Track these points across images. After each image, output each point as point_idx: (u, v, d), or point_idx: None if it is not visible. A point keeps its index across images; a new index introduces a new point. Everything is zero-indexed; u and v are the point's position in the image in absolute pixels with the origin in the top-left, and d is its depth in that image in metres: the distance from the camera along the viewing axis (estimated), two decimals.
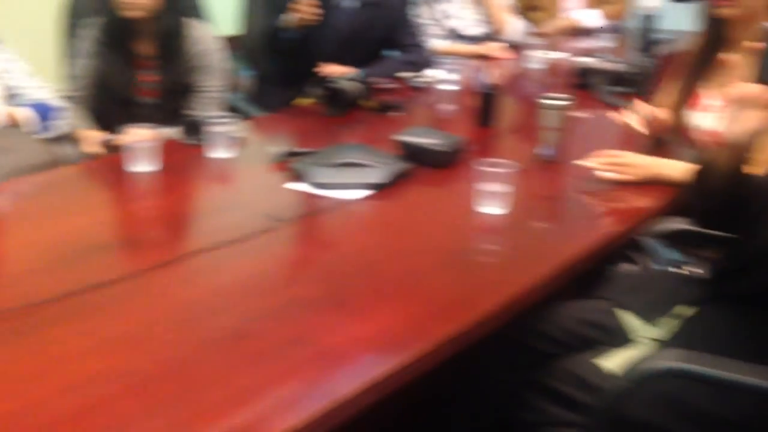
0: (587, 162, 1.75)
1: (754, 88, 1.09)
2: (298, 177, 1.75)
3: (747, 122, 1.11)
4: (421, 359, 1.08)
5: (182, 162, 1.92)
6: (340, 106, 2.31)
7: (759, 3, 1.71)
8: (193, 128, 1.98)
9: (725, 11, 1.74)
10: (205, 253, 1.39)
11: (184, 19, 2.28)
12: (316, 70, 2.55)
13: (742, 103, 1.12)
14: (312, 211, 1.62)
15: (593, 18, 3.69)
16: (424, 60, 2.91)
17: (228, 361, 1.05)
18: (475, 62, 3.13)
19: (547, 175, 1.87)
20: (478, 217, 1.58)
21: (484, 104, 2.20)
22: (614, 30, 3.41)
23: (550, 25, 3.72)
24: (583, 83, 2.62)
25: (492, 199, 1.58)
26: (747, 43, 1.14)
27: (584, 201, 1.72)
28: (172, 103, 2.27)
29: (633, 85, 2.50)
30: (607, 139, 2.16)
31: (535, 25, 3.81)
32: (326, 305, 1.22)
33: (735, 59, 1.62)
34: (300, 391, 1.00)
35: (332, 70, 2.55)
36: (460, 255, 1.45)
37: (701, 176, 1.30)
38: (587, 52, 3.29)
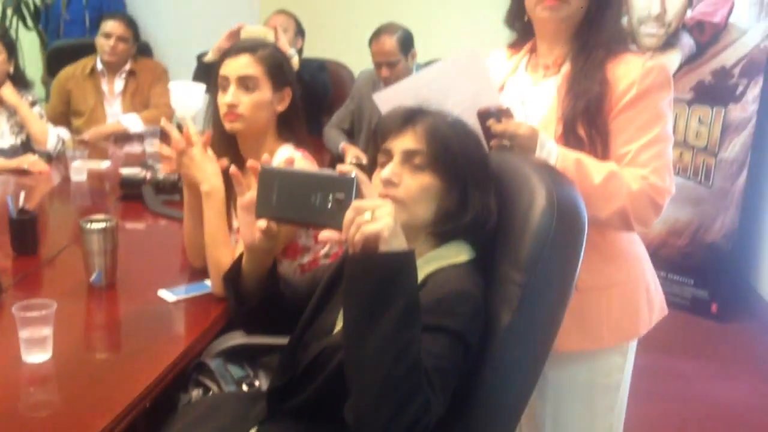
0: None
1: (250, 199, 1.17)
2: None
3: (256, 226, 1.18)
4: None
5: None
6: None
7: (262, 117, 1.81)
8: None
9: (229, 126, 1.80)
10: None
11: None
12: None
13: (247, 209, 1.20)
14: None
15: (135, 123, 3.68)
16: None
17: None
18: (9, 178, 2.86)
19: (101, 303, 1.76)
20: (25, 368, 1.41)
21: (19, 230, 2.00)
22: (156, 134, 3.43)
23: (93, 132, 3.61)
24: (129, 194, 2.57)
25: (38, 345, 1.43)
26: (249, 163, 1.22)
27: (143, 327, 1.65)
28: None
29: (179, 192, 2.53)
30: (162, 250, 2.15)
31: (77, 132, 3.67)
32: None
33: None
34: None
35: None
36: (6, 419, 1.26)
37: (229, 280, 1.34)
38: (133, 159, 3.27)
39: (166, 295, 1.75)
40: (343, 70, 4.16)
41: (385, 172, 1.22)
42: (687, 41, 3.57)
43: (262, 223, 1.15)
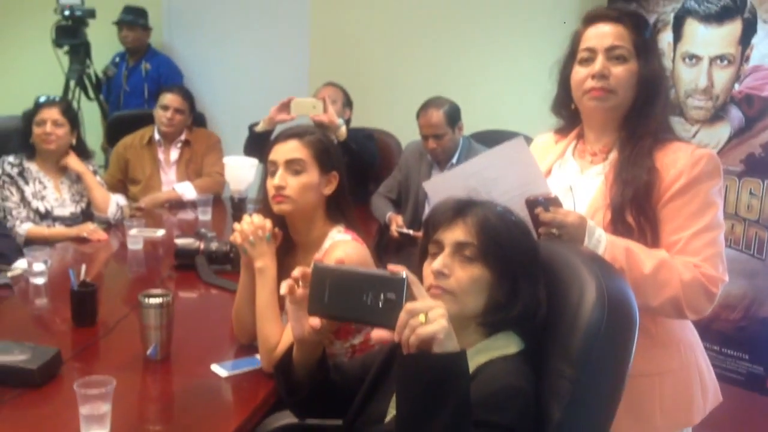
0: None
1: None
2: None
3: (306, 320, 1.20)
4: None
5: None
6: None
7: (309, 199, 1.85)
8: None
9: (277, 207, 1.84)
10: None
11: None
12: None
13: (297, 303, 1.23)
14: None
15: (188, 190, 3.79)
16: (11, 249, 2.67)
17: None
18: (69, 246, 2.96)
19: (157, 377, 1.80)
20: None
21: (80, 302, 2.07)
22: (209, 203, 3.53)
23: (149, 199, 3.72)
24: (183, 263, 2.64)
25: (97, 421, 1.47)
26: (297, 271, 1.24)
27: (197, 403, 1.68)
28: None
29: (230, 262, 2.60)
30: (214, 320, 2.20)
31: (133, 199, 3.79)
32: None
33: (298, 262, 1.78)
34: None
35: None
36: None
37: (280, 371, 1.37)
38: (186, 226, 3.37)
39: (219, 370, 1.79)
40: (390, 138, 4.25)
41: (436, 263, 1.25)
42: (736, 114, 3.56)
43: (315, 321, 1.17)
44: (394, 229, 3.48)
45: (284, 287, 1.22)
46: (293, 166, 1.84)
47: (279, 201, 1.84)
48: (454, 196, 1.33)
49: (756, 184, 3.49)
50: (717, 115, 3.63)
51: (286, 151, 1.85)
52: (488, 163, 1.51)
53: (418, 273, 1.31)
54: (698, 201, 1.49)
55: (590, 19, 1.59)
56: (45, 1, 4.45)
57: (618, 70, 1.54)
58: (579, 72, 1.58)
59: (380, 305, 1.09)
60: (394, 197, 3.75)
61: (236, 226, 1.84)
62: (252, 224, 1.81)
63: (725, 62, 3.57)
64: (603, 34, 1.55)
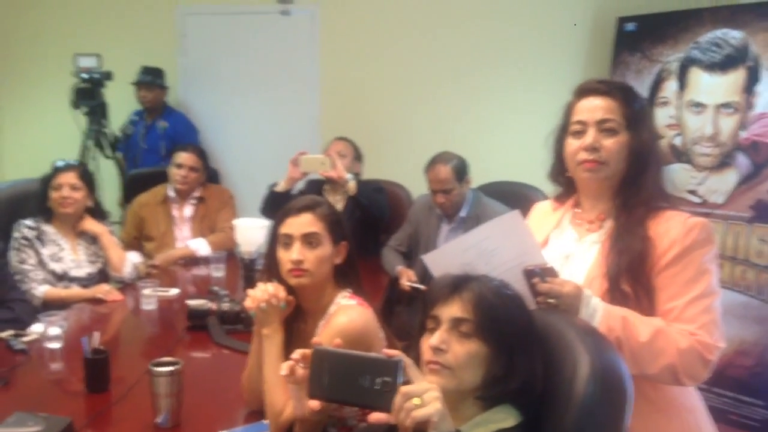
0: None
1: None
2: None
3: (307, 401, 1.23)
4: None
5: None
6: None
7: (324, 270, 1.88)
8: None
9: (296, 281, 1.86)
10: None
11: None
12: None
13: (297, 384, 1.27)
14: None
15: (202, 246, 3.85)
16: (27, 314, 2.72)
17: None
18: (85, 307, 3.02)
19: None
20: None
21: (93, 369, 2.10)
22: (223, 260, 3.57)
23: (163, 257, 3.78)
24: (196, 324, 2.68)
25: None
26: (298, 353, 1.28)
27: None
28: None
29: (242, 322, 2.63)
30: (224, 383, 2.22)
31: (148, 256, 3.84)
32: None
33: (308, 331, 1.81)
34: None
35: None
36: None
37: None
38: (199, 281, 3.41)
39: None
40: (399, 190, 4.31)
41: (433, 339, 1.28)
42: (743, 161, 3.59)
43: (315, 404, 1.21)
44: (404, 283, 3.51)
45: (285, 368, 1.26)
46: (309, 240, 1.86)
47: (298, 275, 1.85)
48: (451, 273, 1.36)
49: (765, 230, 3.50)
50: (724, 162, 3.66)
51: (301, 224, 1.87)
52: (486, 235, 1.54)
53: None
54: (692, 269, 1.51)
55: (581, 92, 1.64)
56: (63, 65, 4.59)
57: (609, 143, 1.58)
58: (571, 144, 1.62)
59: (377, 388, 1.12)
60: (404, 250, 3.79)
61: (249, 292, 1.87)
62: (266, 292, 1.84)
63: (731, 110, 3.61)
64: (594, 108, 1.60)
